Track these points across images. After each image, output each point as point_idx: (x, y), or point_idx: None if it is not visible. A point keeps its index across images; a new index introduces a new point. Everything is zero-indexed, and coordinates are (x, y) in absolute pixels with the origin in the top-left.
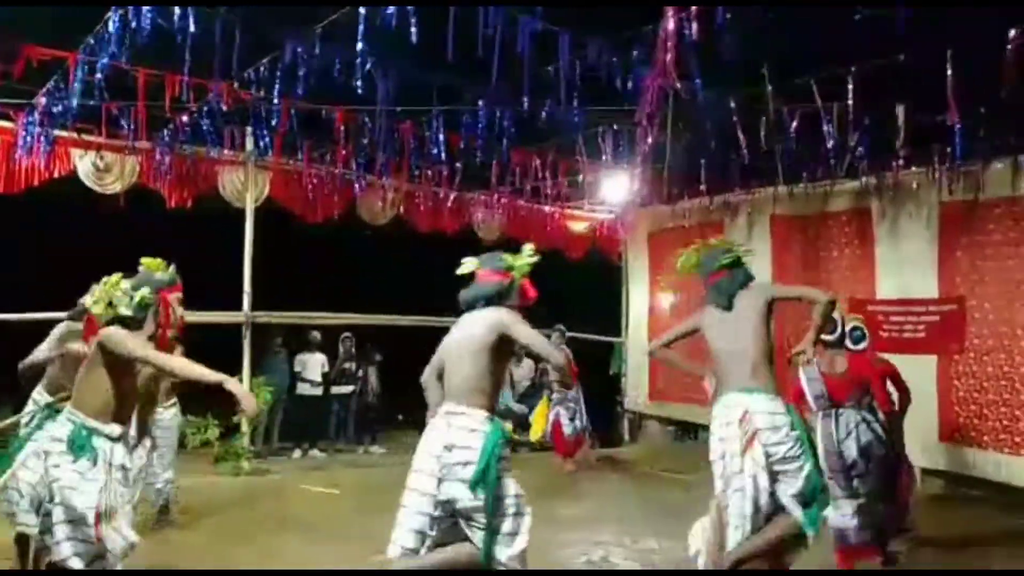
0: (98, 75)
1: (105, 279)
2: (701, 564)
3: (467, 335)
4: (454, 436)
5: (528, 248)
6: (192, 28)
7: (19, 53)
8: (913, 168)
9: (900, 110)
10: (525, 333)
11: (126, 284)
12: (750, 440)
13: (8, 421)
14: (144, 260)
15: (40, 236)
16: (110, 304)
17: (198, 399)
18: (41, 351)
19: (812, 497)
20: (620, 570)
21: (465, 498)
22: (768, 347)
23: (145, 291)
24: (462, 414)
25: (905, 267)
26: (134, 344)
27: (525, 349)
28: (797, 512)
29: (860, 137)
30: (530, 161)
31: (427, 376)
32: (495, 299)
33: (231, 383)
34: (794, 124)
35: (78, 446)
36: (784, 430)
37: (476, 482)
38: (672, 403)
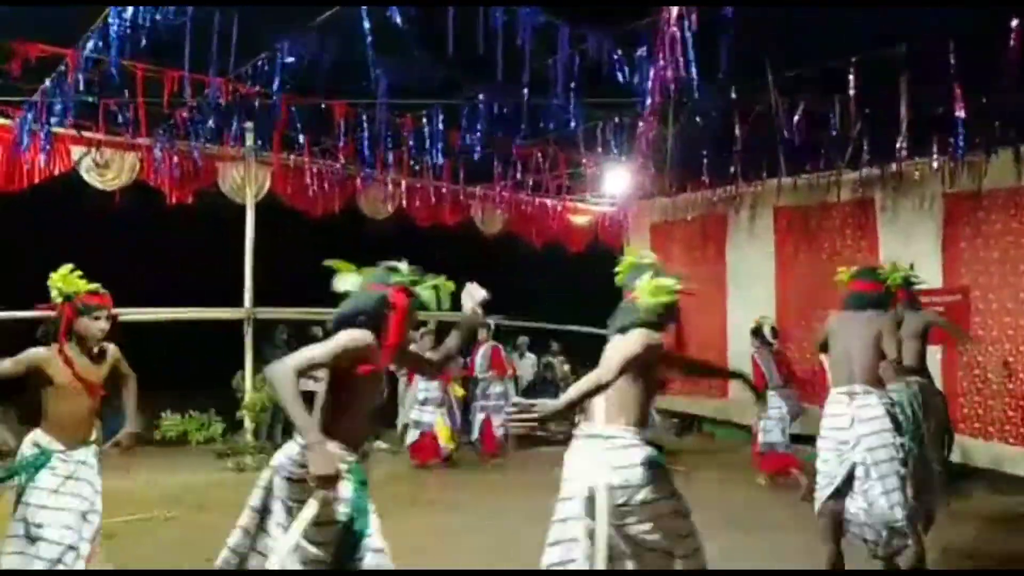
0: (96, 71)
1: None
2: None
3: None
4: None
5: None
6: (190, 23)
7: (17, 51)
8: (916, 159)
9: (903, 101)
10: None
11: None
12: None
13: None
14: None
15: (41, 233)
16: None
17: (203, 396)
18: None
19: None
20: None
21: None
22: None
23: None
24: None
25: (909, 258)
26: None
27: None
28: None
29: (862, 128)
30: (531, 154)
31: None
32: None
33: None
34: (796, 115)
35: None
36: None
37: None
38: (675, 396)
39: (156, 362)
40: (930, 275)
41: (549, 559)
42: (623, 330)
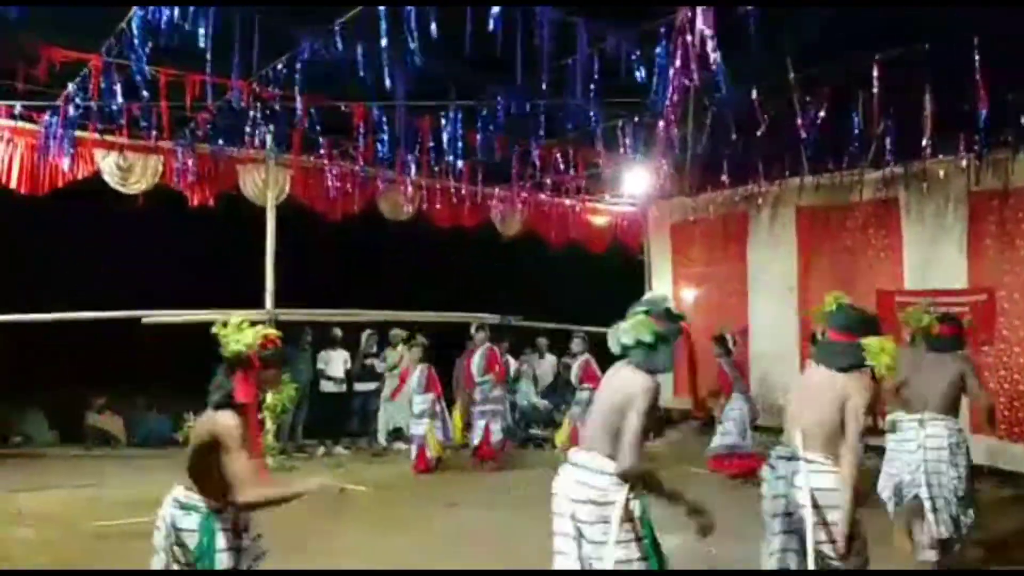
0: (119, 76)
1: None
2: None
3: None
4: None
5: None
6: (211, 28)
7: (42, 55)
8: (940, 157)
9: (926, 99)
10: None
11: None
12: None
13: None
14: None
15: (63, 237)
16: None
17: None
18: None
19: None
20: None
21: None
22: None
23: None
24: None
25: (933, 258)
26: None
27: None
28: None
29: (886, 126)
30: (550, 155)
31: None
32: None
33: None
34: (819, 114)
35: None
36: None
37: None
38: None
39: (179, 364)
40: (955, 275)
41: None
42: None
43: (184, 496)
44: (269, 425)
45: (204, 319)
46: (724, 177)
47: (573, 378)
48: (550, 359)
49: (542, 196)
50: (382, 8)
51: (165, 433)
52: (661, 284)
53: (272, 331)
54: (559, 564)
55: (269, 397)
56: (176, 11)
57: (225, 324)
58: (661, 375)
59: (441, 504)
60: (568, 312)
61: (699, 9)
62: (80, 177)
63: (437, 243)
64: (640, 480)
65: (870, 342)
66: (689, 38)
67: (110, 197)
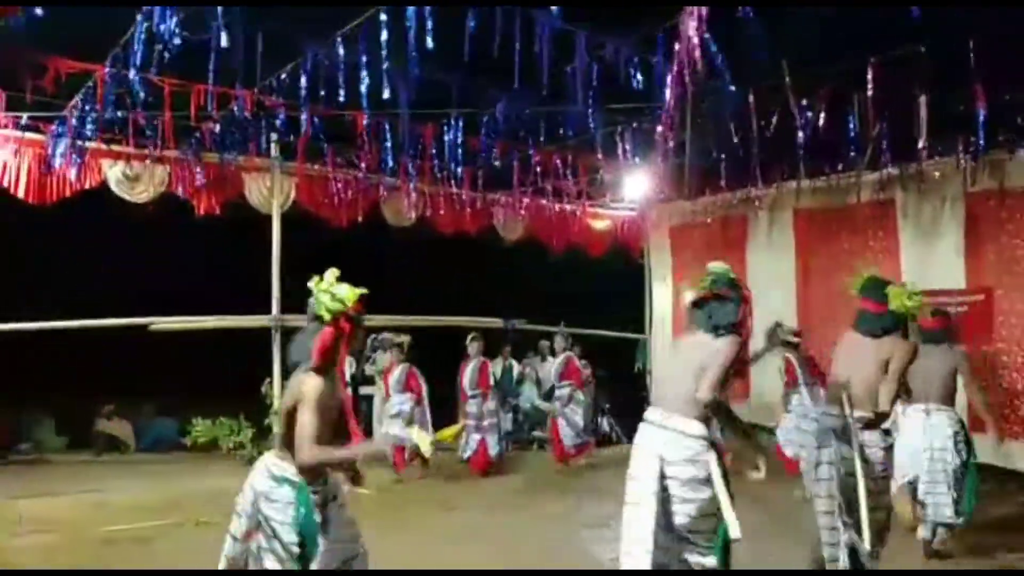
0: (125, 86)
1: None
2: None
3: None
4: None
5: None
6: (214, 37)
7: (49, 67)
8: (937, 158)
9: (922, 100)
10: None
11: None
12: None
13: None
14: None
15: (71, 246)
16: None
17: (232, 403)
18: None
19: None
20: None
21: None
22: None
23: None
24: None
25: (931, 259)
26: None
27: None
28: None
29: (882, 128)
30: (550, 160)
31: None
32: None
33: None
34: (816, 116)
35: None
36: None
37: None
38: None
39: (187, 370)
40: (953, 276)
41: None
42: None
43: (275, 466)
44: (276, 429)
45: (211, 326)
46: (722, 181)
47: (553, 375)
48: (553, 362)
49: (543, 201)
50: (384, 17)
51: (173, 438)
52: (661, 286)
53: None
54: (629, 514)
55: (276, 402)
56: (181, 22)
57: (321, 278)
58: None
59: (442, 506)
60: (570, 315)
61: (695, 12)
62: (87, 187)
63: (440, 248)
64: (720, 411)
65: (892, 290)
66: (691, 39)
67: (117, 206)
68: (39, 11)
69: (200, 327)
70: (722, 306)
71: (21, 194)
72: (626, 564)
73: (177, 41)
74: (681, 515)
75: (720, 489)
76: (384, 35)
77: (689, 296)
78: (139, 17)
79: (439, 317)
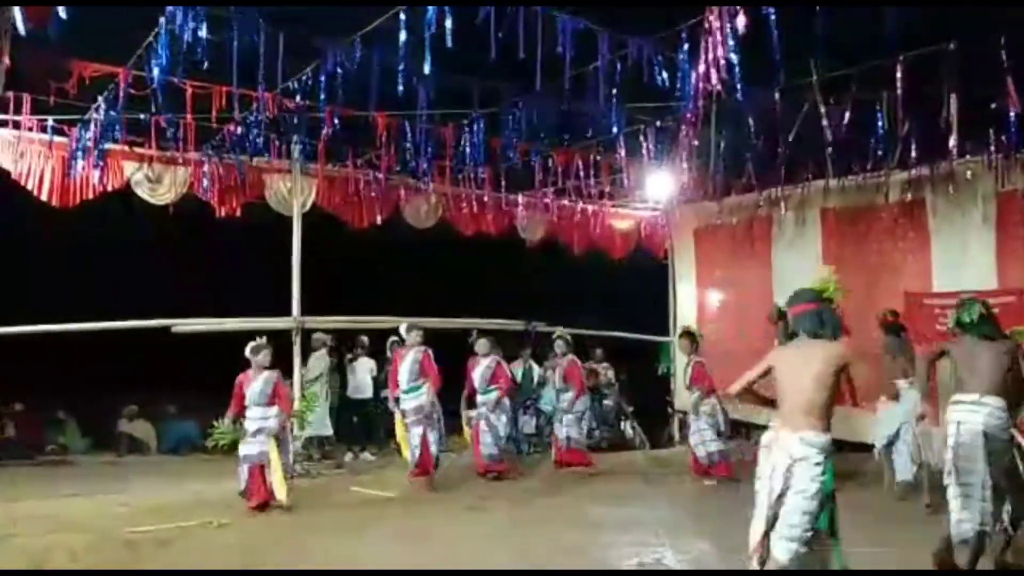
0: (147, 89)
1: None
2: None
3: None
4: None
5: None
6: (236, 40)
7: (72, 70)
8: (968, 157)
9: (952, 98)
10: None
11: None
12: None
13: None
14: None
15: (95, 248)
16: None
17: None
18: None
19: None
20: (669, 570)
21: None
22: None
23: None
24: None
25: (962, 259)
26: None
27: None
28: None
29: (911, 127)
30: (572, 161)
31: None
32: None
33: None
34: (844, 116)
35: None
36: None
37: None
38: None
39: (208, 372)
40: (984, 276)
41: None
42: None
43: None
44: (298, 432)
45: (233, 328)
46: (748, 180)
47: (557, 379)
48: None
49: (565, 202)
50: (403, 18)
51: (195, 440)
52: (686, 288)
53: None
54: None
55: (296, 404)
56: (203, 25)
57: None
58: None
59: (468, 508)
60: (592, 317)
61: (722, 12)
62: (110, 189)
63: (461, 250)
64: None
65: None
66: (713, 32)
67: (139, 208)
68: (63, 13)
69: (221, 329)
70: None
71: (45, 196)
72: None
73: (202, 34)
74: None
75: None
76: (403, 36)
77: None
78: (162, 20)
79: (460, 319)
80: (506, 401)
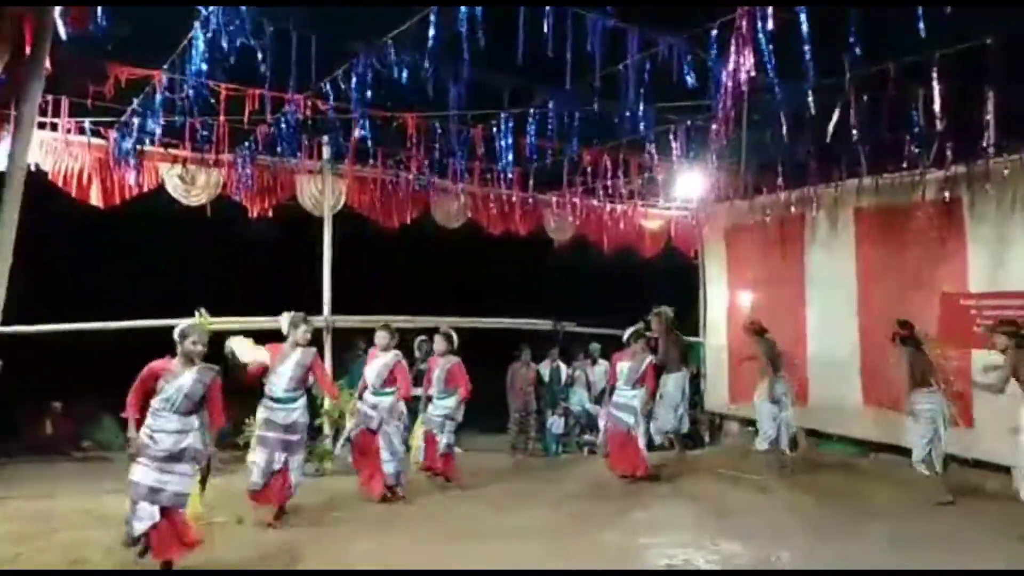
0: (183, 92)
1: None
2: None
3: None
4: None
5: None
6: (269, 42)
7: (108, 72)
8: (1005, 155)
9: (989, 95)
10: None
11: None
12: None
13: None
14: None
15: (130, 247)
16: None
17: None
18: None
19: None
20: (699, 570)
21: None
22: None
23: None
24: None
25: (1000, 259)
26: None
27: None
28: None
29: (947, 125)
30: (601, 160)
31: None
32: None
33: None
34: (878, 113)
35: None
36: None
37: None
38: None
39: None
40: (1023, 276)
41: None
42: None
43: None
44: (327, 429)
45: (263, 326)
46: (780, 179)
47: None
48: (603, 365)
49: (594, 201)
50: (433, 17)
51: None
52: (716, 289)
53: None
54: None
55: (327, 403)
56: (237, 27)
57: None
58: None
59: (493, 507)
60: (622, 318)
61: (753, 10)
62: (145, 189)
63: (490, 250)
64: None
65: None
66: (744, 29)
67: (173, 209)
68: (100, 16)
69: (253, 327)
70: None
71: (93, 200)
72: None
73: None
74: None
75: None
76: (432, 33)
77: None
78: (196, 24)
79: (489, 319)
80: (402, 405)
